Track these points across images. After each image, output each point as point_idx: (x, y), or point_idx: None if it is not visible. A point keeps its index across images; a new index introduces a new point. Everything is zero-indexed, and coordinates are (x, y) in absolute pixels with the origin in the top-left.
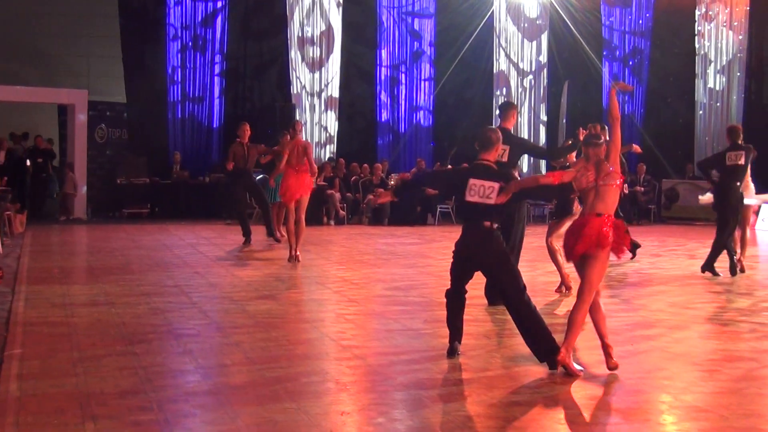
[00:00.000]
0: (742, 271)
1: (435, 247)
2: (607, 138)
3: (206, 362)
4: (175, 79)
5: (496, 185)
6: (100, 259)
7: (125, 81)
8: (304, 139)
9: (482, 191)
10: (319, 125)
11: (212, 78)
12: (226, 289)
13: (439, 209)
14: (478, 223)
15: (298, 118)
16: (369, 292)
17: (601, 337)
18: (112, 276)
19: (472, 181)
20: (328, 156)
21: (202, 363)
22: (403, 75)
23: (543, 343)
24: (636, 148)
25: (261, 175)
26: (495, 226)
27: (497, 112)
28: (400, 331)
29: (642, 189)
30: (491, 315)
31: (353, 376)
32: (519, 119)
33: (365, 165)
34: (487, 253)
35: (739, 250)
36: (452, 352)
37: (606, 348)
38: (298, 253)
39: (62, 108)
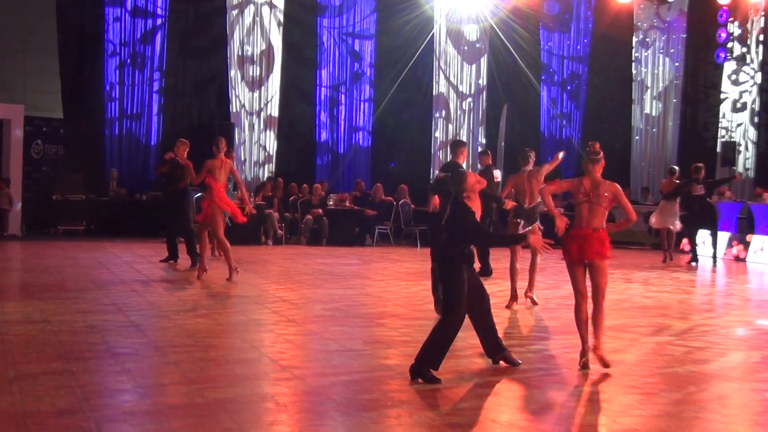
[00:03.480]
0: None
1: (374, 268)
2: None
3: (144, 382)
4: (113, 95)
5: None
6: (36, 276)
7: (62, 97)
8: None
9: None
10: (258, 144)
11: (150, 95)
12: (164, 308)
13: (377, 230)
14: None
15: (237, 135)
16: (308, 312)
17: (597, 336)
18: (48, 293)
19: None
20: (266, 175)
21: (140, 382)
22: (343, 95)
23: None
24: (557, 158)
25: (199, 194)
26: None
27: (449, 148)
28: (340, 351)
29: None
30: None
31: (293, 397)
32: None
33: (304, 185)
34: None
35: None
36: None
37: (597, 344)
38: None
39: None
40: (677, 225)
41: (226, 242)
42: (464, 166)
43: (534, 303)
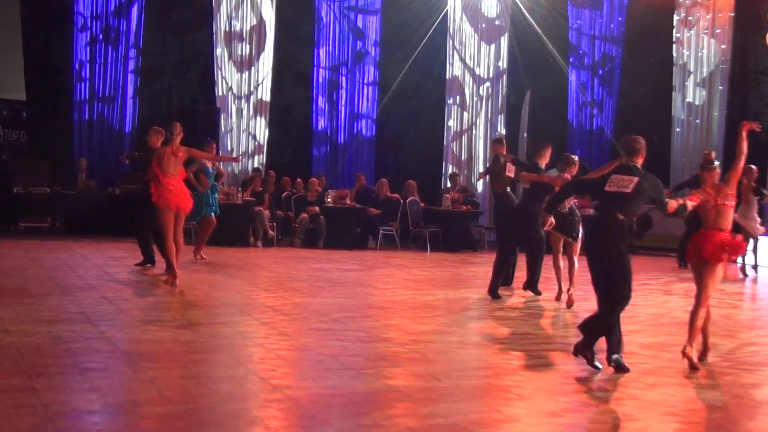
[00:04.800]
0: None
1: (377, 275)
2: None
3: (115, 400)
4: (83, 75)
5: (635, 179)
6: None
7: (25, 76)
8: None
9: (621, 183)
10: (246, 132)
11: (125, 75)
12: (138, 317)
13: (381, 232)
14: (610, 213)
15: (223, 122)
16: (302, 324)
17: (705, 336)
18: (7, 299)
19: (614, 176)
20: (254, 167)
21: (110, 401)
22: (344, 78)
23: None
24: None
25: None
26: (625, 219)
27: (530, 147)
28: (338, 369)
29: None
30: (446, 351)
31: (284, 421)
32: (474, 132)
33: (298, 179)
34: (609, 244)
35: None
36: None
37: (705, 344)
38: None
39: None
40: (760, 229)
41: (170, 243)
42: (544, 167)
43: (570, 304)
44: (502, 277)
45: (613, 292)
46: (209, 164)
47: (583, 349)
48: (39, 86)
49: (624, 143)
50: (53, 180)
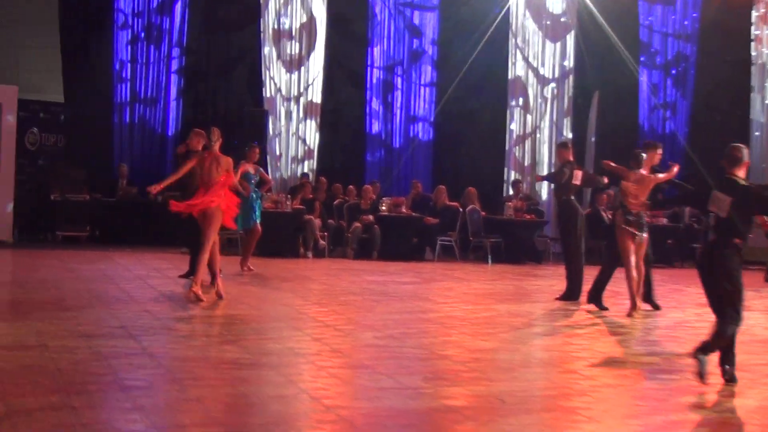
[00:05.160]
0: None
1: (435, 288)
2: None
3: (159, 421)
4: (124, 76)
5: (728, 200)
6: (29, 291)
7: (63, 76)
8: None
9: (720, 204)
10: (296, 136)
11: (168, 76)
12: (183, 332)
13: (439, 242)
14: (721, 236)
15: (271, 125)
16: (356, 340)
17: None
18: (44, 313)
19: (715, 193)
20: (304, 172)
21: (154, 421)
22: (399, 78)
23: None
24: (673, 171)
25: None
26: (731, 241)
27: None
28: (394, 389)
29: (686, 224)
30: (509, 369)
31: None
32: (538, 136)
33: (351, 186)
34: (713, 266)
35: None
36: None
37: None
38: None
39: None
40: None
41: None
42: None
43: (656, 308)
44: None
45: (727, 312)
46: (251, 170)
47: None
48: (77, 87)
49: (727, 152)
50: (92, 187)
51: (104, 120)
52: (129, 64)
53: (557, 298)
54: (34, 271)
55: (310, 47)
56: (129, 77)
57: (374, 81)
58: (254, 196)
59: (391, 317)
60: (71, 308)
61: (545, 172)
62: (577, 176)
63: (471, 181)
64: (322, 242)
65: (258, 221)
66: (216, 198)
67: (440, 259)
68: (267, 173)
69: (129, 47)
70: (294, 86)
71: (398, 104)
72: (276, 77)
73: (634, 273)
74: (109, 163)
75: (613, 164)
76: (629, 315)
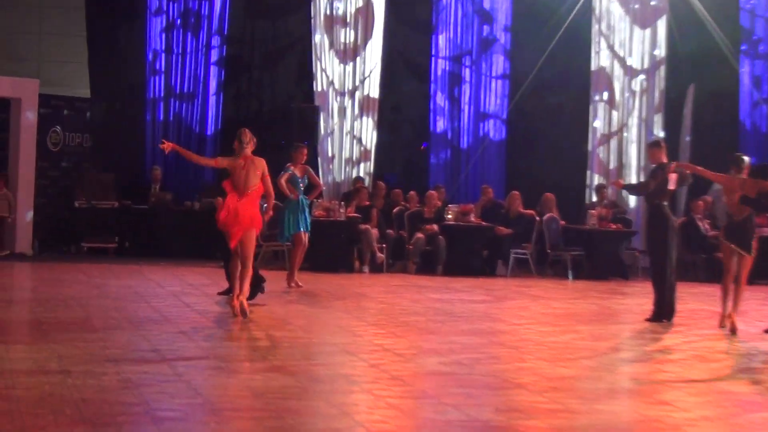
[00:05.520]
0: None
1: (508, 307)
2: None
3: None
4: (157, 68)
5: None
6: (51, 310)
7: (90, 69)
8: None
9: None
10: (350, 135)
11: (207, 68)
12: (223, 357)
13: (512, 255)
14: None
15: (323, 123)
16: (418, 366)
17: None
18: (67, 334)
19: None
20: (359, 176)
21: None
22: (468, 70)
23: None
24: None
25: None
26: None
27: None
28: (462, 422)
29: None
30: (593, 400)
31: None
32: (625, 135)
33: (413, 192)
34: None
35: None
36: None
37: None
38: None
39: (2, 103)
40: None
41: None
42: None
43: (734, 330)
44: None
45: None
46: (298, 173)
47: None
48: (105, 80)
49: None
50: (122, 193)
51: (135, 117)
52: (163, 55)
53: (647, 319)
54: (56, 288)
55: (367, 35)
56: (163, 69)
57: (439, 73)
58: (303, 202)
59: (458, 340)
60: (97, 329)
61: (633, 177)
62: (672, 180)
63: (549, 186)
64: (379, 255)
65: (305, 231)
66: (246, 212)
67: (514, 274)
68: (317, 177)
69: (163, 35)
70: (348, 79)
71: (466, 99)
72: (328, 69)
73: (731, 287)
74: (140, 166)
75: (708, 172)
76: (720, 324)
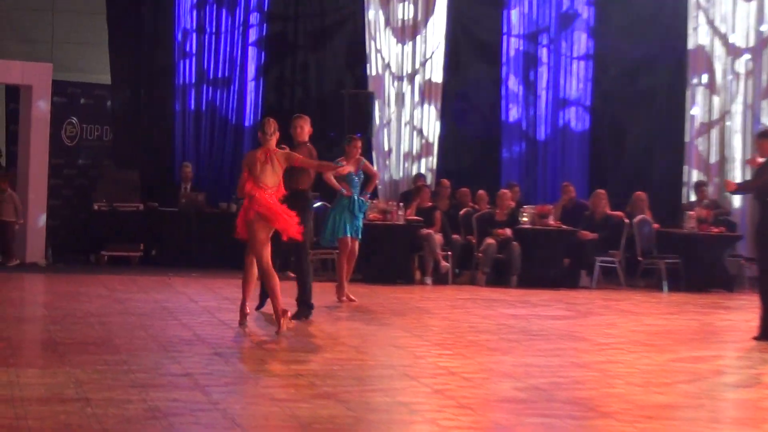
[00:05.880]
0: None
1: (593, 324)
2: None
3: None
4: (188, 49)
5: None
6: (67, 329)
7: (110, 51)
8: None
9: None
10: (410, 126)
11: (245, 49)
12: (264, 382)
13: (598, 263)
14: None
15: (378, 112)
16: (489, 393)
17: None
18: (87, 356)
19: None
20: (420, 173)
21: None
22: (545, 50)
23: None
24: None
25: (319, 202)
26: None
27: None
28: None
29: None
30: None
31: None
32: (728, 124)
33: (482, 191)
34: None
35: None
36: None
37: None
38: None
39: (12, 91)
40: None
41: (271, 272)
42: None
43: None
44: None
45: None
46: (352, 168)
47: None
48: (128, 64)
49: None
50: (148, 193)
51: (163, 107)
52: (195, 35)
53: (754, 338)
54: (73, 303)
55: (429, 11)
56: (195, 51)
57: (512, 54)
58: (356, 203)
59: (535, 363)
60: (120, 350)
61: (738, 173)
62: None
63: (640, 183)
64: (444, 264)
65: (353, 236)
66: (261, 206)
67: (600, 285)
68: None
69: (195, 12)
70: (407, 61)
71: (543, 84)
72: (384, 50)
73: None
74: (168, 162)
75: None
76: None
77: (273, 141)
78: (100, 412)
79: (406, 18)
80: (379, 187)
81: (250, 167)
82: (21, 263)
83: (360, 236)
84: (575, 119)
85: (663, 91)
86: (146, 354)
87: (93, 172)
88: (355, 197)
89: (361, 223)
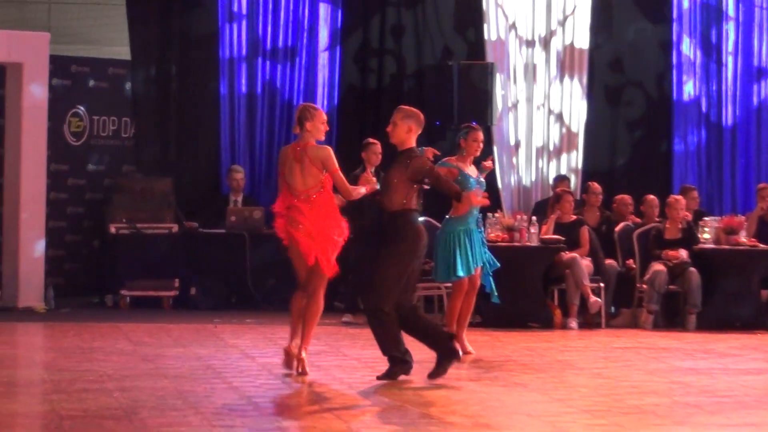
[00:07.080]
0: None
1: None
2: None
3: None
4: (236, 10)
5: None
6: (75, 398)
7: (129, 17)
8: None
9: None
10: (545, 110)
11: (315, 9)
12: None
13: None
14: None
15: (500, 91)
16: None
17: None
18: None
19: None
20: (560, 175)
21: None
22: (731, 3)
23: None
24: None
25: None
26: None
27: None
28: None
29: None
30: None
31: None
32: None
33: (650, 196)
34: None
35: None
36: None
37: None
38: (303, 355)
39: None
40: None
41: (316, 298)
42: None
43: None
44: None
45: None
46: (471, 172)
47: None
48: (154, 32)
49: None
50: (184, 209)
51: (203, 89)
52: None
53: None
54: (83, 363)
55: None
56: (246, 13)
57: (685, 6)
58: (473, 223)
59: None
60: (149, 427)
61: None
62: None
63: None
64: (594, 300)
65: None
66: (305, 220)
67: None
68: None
69: None
70: (539, 21)
71: (730, 48)
72: (507, 6)
73: None
74: (212, 166)
75: None
76: None
77: (312, 132)
78: None
79: None
80: (503, 195)
81: (281, 169)
82: (10, 308)
83: (488, 262)
84: None
85: None
86: (184, 430)
87: (108, 181)
88: (475, 211)
89: (484, 247)
